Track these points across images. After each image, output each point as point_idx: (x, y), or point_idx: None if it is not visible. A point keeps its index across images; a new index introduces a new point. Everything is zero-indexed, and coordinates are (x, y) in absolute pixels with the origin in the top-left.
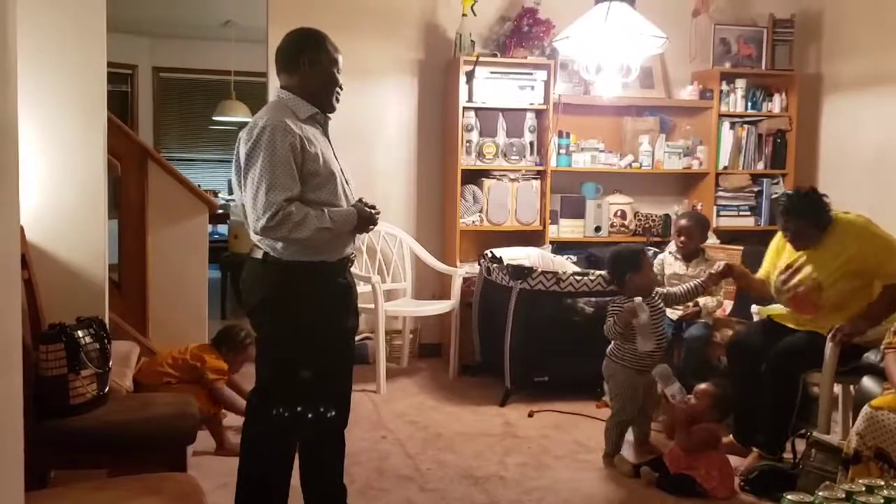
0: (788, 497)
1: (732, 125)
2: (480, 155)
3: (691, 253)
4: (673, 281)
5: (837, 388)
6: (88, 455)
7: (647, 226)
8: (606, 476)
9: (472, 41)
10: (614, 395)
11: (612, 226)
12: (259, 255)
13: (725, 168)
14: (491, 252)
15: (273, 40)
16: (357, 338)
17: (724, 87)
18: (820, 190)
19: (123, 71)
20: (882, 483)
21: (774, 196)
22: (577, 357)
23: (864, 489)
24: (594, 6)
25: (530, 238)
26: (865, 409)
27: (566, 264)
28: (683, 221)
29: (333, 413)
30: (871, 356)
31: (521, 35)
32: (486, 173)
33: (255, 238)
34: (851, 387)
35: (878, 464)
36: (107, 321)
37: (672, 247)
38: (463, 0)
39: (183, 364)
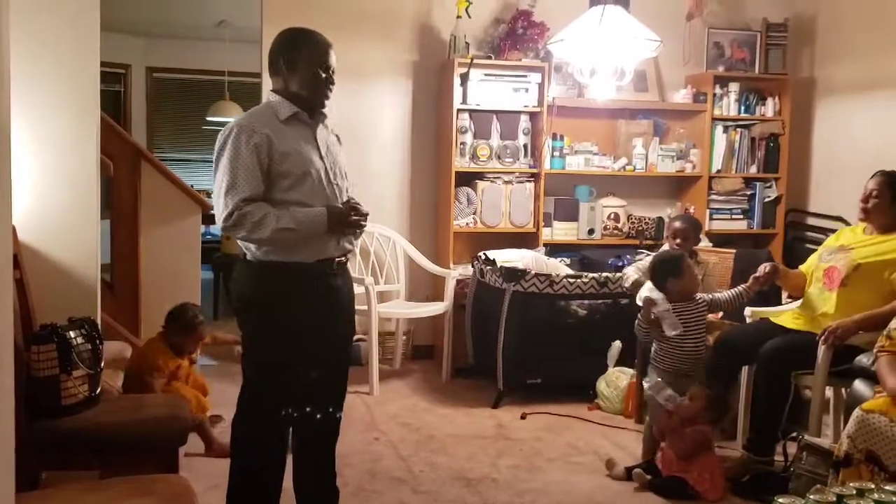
0: (779, 500)
1: (726, 129)
2: (474, 157)
3: (689, 255)
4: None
5: (829, 391)
6: (80, 456)
7: (640, 228)
8: (598, 478)
9: (466, 43)
10: (652, 400)
11: (605, 228)
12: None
13: (718, 171)
14: (484, 254)
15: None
16: None
17: (718, 90)
18: (812, 194)
19: (117, 71)
20: (873, 486)
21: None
22: (569, 359)
23: (854, 492)
24: (588, 9)
25: (524, 240)
26: (857, 411)
27: (559, 267)
28: (678, 223)
29: (318, 415)
30: (863, 359)
31: (515, 37)
32: (479, 175)
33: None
34: (843, 389)
35: (869, 467)
36: (99, 322)
37: (665, 249)
38: (457, 2)
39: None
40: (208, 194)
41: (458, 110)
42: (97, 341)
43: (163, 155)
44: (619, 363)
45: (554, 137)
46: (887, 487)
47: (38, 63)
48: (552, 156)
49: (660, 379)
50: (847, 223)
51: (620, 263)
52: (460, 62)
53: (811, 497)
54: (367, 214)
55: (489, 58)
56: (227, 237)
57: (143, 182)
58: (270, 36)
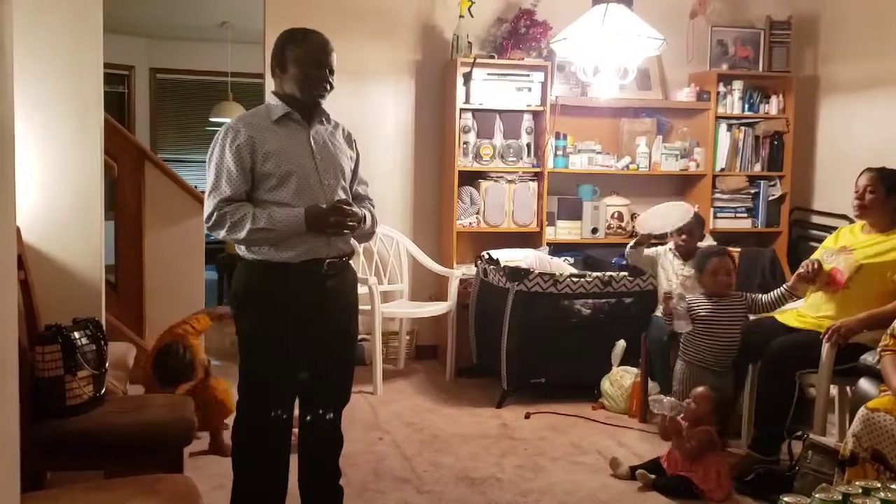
0: (785, 499)
1: (729, 127)
2: (477, 156)
3: (690, 252)
4: (671, 280)
5: (834, 390)
6: (85, 456)
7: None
8: (603, 478)
9: (469, 43)
10: (674, 390)
11: (608, 227)
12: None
13: (722, 170)
14: (488, 253)
15: (269, 42)
16: None
17: (722, 88)
18: (816, 192)
19: (120, 72)
20: (878, 485)
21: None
22: (573, 359)
23: (860, 491)
24: (591, 8)
25: (527, 239)
26: (862, 410)
27: (563, 266)
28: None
29: (318, 415)
30: (868, 357)
31: (518, 37)
32: (483, 175)
33: None
34: (848, 388)
35: (875, 465)
36: (103, 322)
37: (671, 245)
38: (460, 1)
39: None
40: None
41: (461, 110)
42: (101, 342)
43: (166, 156)
44: (623, 362)
45: (557, 136)
46: (893, 486)
47: (41, 64)
48: (555, 155)
49: (660, 394)
50: (852, 221)
51: (624, 262)
52: (463, 62)
53: (817, 496)
54: (353, 215)
55: (492, 57)
56: None
57: (146, 183)
58: (273, 37)
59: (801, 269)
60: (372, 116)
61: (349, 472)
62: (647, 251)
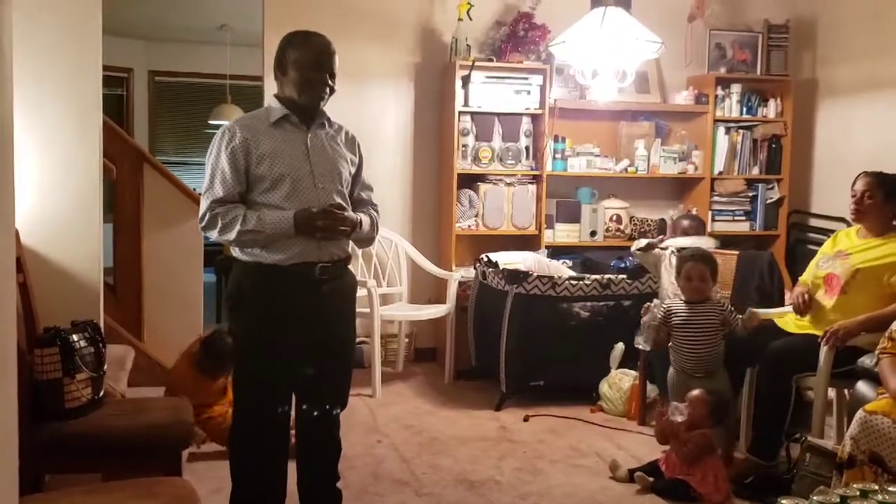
0: (783, 501)
1: (728, 130)
2: (476, 159)
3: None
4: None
5: (832, 392)
6: (83, 459)
7: (642, 230)
8: (601, 481)
9: (468, 45)
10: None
11: (607, 230)
12: None
13: (721, 173)
14: (486, 256)
15: (268, 44)
16: None
17: (720, 92)
18: (814, 195)
19: (119, 74)
20: (876, 487)
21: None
22: (572, 362)
23: (858, 493)
24: (590, 11)
25: (526, 242)
26: (860, 413)
27: (562, 269)
28: (687, 222)
29: (312, 418)
30: (865, 360)
31: (516, 40)
32: (481, 178)
33: None
34: (846, 391)
35: (873, 468)
36: (101, 325)
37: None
38: (459, 4)
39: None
40: None
41: (460, 112)
42: (100, 344)
43: (165, 158)
44: (621, 365)
45: (556, 139)
46: (891, 489)
47: (40, 66)
48: (554, 158)
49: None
50: (849, 224)
51: (623, 265)
52: (462, 64)
53: (814, 498)
54: (344, 219)
55: (491, 60)
56: None
57: (145, 185)
58: (272, 39)
59: (791, 302)
60: (371, 119)
61: (348, 475)
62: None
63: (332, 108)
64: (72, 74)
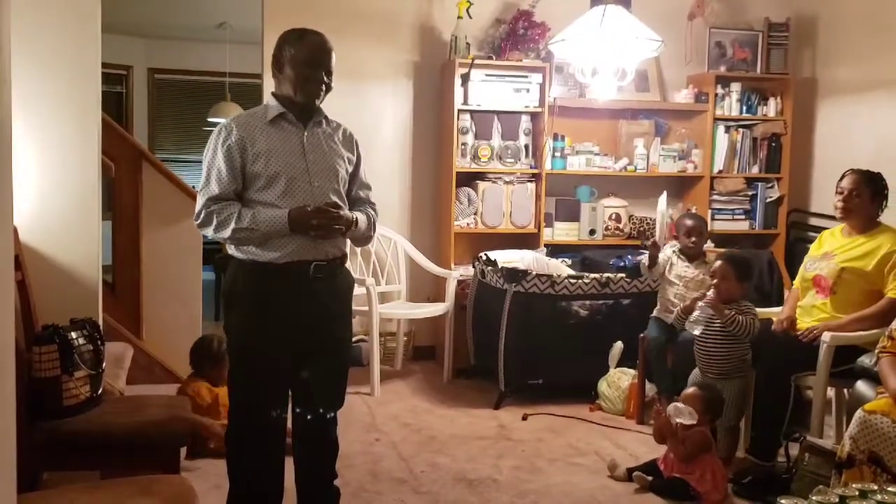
0: (782, 501)
1: (727, 129)
2: (475, 157)
3: (698, 253)
4: (675, 282)
5: (831, 392)
6: (81, 457)
7: (641, 229)
8: (600, 479)
9: (467, 44)
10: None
11: (606, 229)
12: None
13: (720, 172)
14: (485, 255)
15: (268, 42)
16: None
17: (720, 90)
18: (814, 194)
19: (118, 72)
20: (875, 487)
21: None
22: (571, 360)
23: (857, 493)
24: (590, 9)
25: (525, 241)
26: (859, 412)
27: (561, 267)
28: (690, 222)
29: (308, 417)
30: (864, 360)
31: (516, 38)
32: (480, 176)
33: None
34: (845, 390)
35: (872, 468)
36: (100, 322)
37: (673, 248)
38: (458, 3)
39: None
40: None
41: (459, 111)
42: (99, 342)
43: (164, 156)
44: (620, 364)
45: (555, 138)
46: (890, 489)
47: (39, 64)
48: (553, 156)
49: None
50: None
51: (622, 264)
52: (461, 63)
53: (813, 498)
54: (339, 218)
55: (490, 58)
56: None
57: (144, 183)
58: (271, 37)
59: (775, 328)
60: (370, 117)
61: (346, 473)
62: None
63: (332, 106)
64: (71, 73)
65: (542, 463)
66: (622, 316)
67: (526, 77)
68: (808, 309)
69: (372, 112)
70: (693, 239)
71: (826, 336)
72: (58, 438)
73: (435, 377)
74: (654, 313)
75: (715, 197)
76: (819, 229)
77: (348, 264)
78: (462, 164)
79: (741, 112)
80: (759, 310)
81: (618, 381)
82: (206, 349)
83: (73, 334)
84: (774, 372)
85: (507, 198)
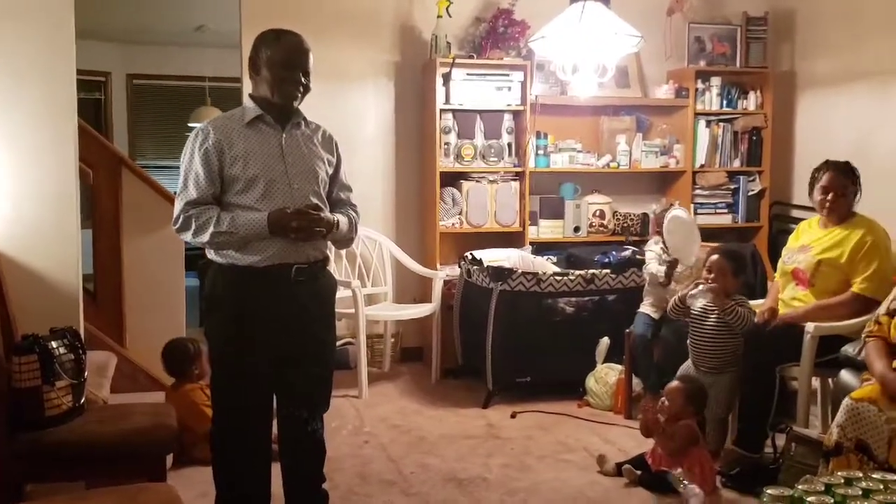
0: (769, 491)
1: (708, 123)
2: (459, 157)
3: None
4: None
5: (816, 382)
6: (65, 467)
7: (625, 225)
8: (589, 475)
9: (448, 43)
10: None
11: (591, 226)
12: None
13: (702, 166)
14: (471, 254)
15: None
16: (339, 343)
17: (700, 85)
18: (795, 186)
19: (96, 78)
20: (861, 475)
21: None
22: (558, 357)
23: (843, 481)
24: (569, 6)
25: (510, 239)
26: (846, 401)
27: (546, 265)
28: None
29: (293, 421)
30: (848, 349)
31: (496, 36)
32: (464, 175)
33: None
34: (830, 380)
35: (859, 455)
36: (81, 331)
37: (658, 244)
38: (438, 1)
39: None
40: None
41: (442, 110)
42: (80, 351)
43: (145, 162)
44: (607, 359)
45: (538, 136)
46: (875, 476)
47: (12, 72)
48: (536, 154)
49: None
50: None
51: (607, 260)
52: (442, 62)
53: (800, 487)
54: (320, 221)
55: (471, 57)
56: None
57: (124, 189)
58: (250, 40)
59: (758, 319)
60: (352, 118)
61: (335, 477)
62: (652, 255)
63: (312, 107)
64: (45, 79)
65: (532, 460)
66: (608, 312)
67: (507, 75)
68: (788, 301)
69: (353, 113)
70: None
71: (810, 326)
72: (40, 449)
73: (423, 378)
74: (640, 308)
75: (697, 191)
76: (801, 220)
77: (333, 267)
78: (445, 163)
79: (721, 106)
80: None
81: (605, 376)
82: (183, 352)
83: (54, 343)
84: (760, 364)
85: (492, 197)
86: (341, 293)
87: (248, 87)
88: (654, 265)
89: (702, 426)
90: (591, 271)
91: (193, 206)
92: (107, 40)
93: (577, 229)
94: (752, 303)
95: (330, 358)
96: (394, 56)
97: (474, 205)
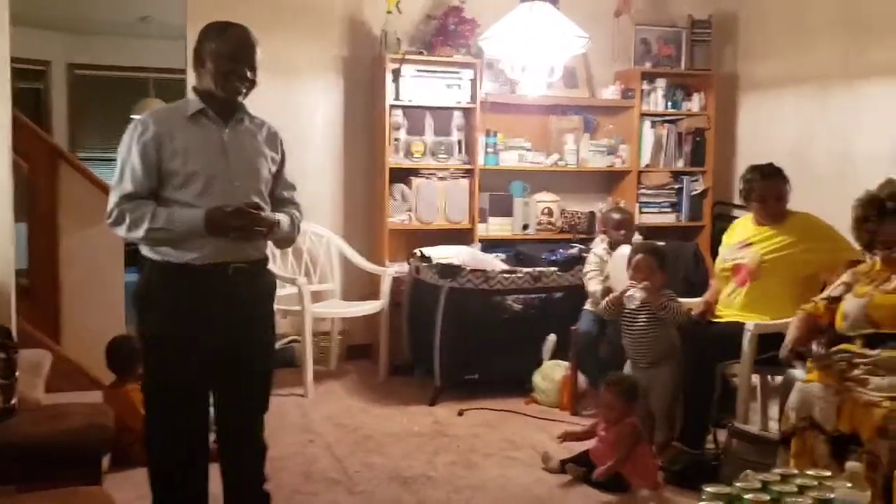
0: (708, 489)
1: (653, 124)
2: (408, 153)
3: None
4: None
5: (756, 379)
6: None
7: (573, 223)
8: (535, 472)
9: (397, 39)
10: None
11: (539, 223)
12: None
13: (647, 166)
14: (420, 251)
15: (192, 37)
16: (283, 341)
17: (645, 86)
18: (737, 186)
19: (36, 67)
20: (796, 472)
21: (744, 176)
22: (506, 354)
23: (779, 478)
24: (518, 5)
25: (460, 236)
26: (796, 385)
27: (495, 262)
28: (618, 215)
29: (230, 422)
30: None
31: (447, 33)
32: (414, 172)
33: None
34: (769, 376)
35: (813, 432)
36: (13, 329)
37: (603, 243)
38: None
39: None
40: None
41: (391, 106)
42: (11, 350)
43: (87, 154)
44: (554, 356)
45: (487, 134)
46: (809, 472)
47: None
48: (486, 152)
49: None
50: None
51: (554, 258)
52: (392, 58)
53: (737, 484)
54: (260, 220)
55: (421, 53)
56: None
57: (61, 183)
58: (195, 31)
59: (694, 313)
60: (300, 114)
61: (279, 476)
62: (595, 255)
63: (259, 102)
64: None
65: (478, 458)
66: (555, 309)
67: (457, 73)
68: (727, 299)
69: (302, 108)
70: (623, 231)
71: (749, 324)
72: None
73: (370, 376)
74: (586, 306)
75: (642, 191)
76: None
77: (280, 264)
78: (395, 160)
79: (666, 107)
80: (684, 300)
81: (552, 373)
82: (129, 350)
83: None
84: (700, 361)
85: (442, 194)
86: (287, 290)
87: (193, 79)
88: (594, 283)
89: (650, 420)
90: (538, 269)
91: (128, 200)
92: (47, 28)
93: (525, 227)
94: (693, 300)
95: (269, 357)
96: (343, 51)
97: (424, 201)
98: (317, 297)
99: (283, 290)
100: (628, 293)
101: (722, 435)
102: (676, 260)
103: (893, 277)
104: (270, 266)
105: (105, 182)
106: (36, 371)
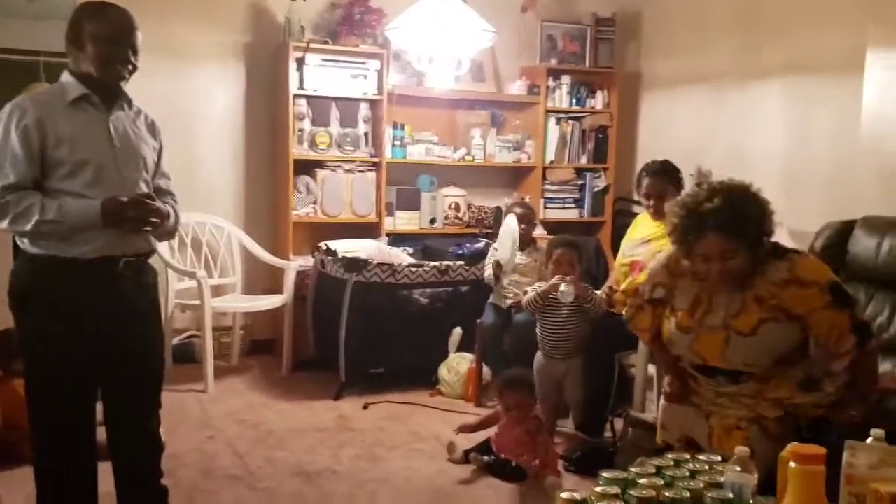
0: (604, 474)
1: (558, 121)
2: (313, 145)
3: (528, 240)
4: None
5: (652, 369)
6: None
7: (479, 217)
8: (439, 464)
9: (301, 27)
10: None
11: (446, 218)
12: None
13: (552, 162)
14: (326, 244)
15: None
16: (183, 336)
17: (551, 83)
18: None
19: None
20: (688, 457)
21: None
22: (412, 347)
23: (672, 464)
24: None
25: (366, 230)
26: (662, 402)
27: (402, 256)
28: (520, 210)
29: (119, 421)
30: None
31: (353, 23)
32: (319, 164)
33: None
34: None
35: (690, 451)
36: None
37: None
38: None
39: None
40: None
41: (295, 96)
42: None
43: None
44: (460, 349)
45: (395, 126)
46: (701, 457)
47: None
48: (393, 145)
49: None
50: None
51: (461, 252)
52: (296, 46)
53: (633, 469)
54: (157, 211)
55: (326, 42)
56: None
57: None
58: None
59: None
60: (198, 101)
61: (178, 473)
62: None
63: (153, 88)
64: None
65: (383, 451)
66: (461, 302)
67: (363, 63)
68: (626, 294)
69: (199, 94)
70: (524, 226)
71: None
72: None
73: (273, 371)
74: (491, 300)
75: (547, 186)
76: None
77: (176, 257)
78: (300, 151)
79: (571, 104)
80: None
81: (457, 365)
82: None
83: None
84: (599, 351)
85: (347, 186)
86: (186, 284)
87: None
88: (488, 271)
89: (556, 411)
90: (445, 263)
91: (11, 191)
92: None
93: (433, 221)
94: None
95: (158, 353)
96: (244, 37)
97: (329, 194)
98: (218, 291)
99: (182, 284)
100: (561, 288)
101: (619, 424)
102: (579, 255)
103: (715, 306)
104: (169, 259)
105: None
106: None
